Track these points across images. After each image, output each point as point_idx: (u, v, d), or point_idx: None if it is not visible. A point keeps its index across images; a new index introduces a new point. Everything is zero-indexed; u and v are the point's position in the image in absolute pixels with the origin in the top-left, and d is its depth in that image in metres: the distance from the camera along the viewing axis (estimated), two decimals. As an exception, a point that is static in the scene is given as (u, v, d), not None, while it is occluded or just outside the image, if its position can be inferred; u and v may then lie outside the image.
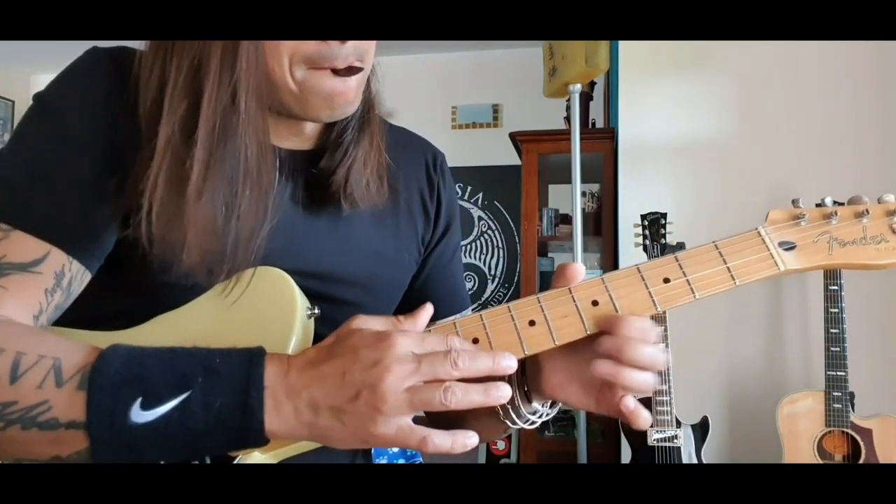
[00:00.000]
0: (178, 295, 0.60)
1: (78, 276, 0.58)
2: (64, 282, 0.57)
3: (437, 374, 0.50)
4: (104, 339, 0.59)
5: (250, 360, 0.50)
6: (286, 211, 0.65)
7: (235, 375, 0.49)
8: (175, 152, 0.56)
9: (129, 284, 0.62)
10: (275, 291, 0.60)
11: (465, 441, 0.51)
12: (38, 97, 0.61)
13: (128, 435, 0.47)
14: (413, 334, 0.52)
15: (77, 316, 0.61)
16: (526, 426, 0.65)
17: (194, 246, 0.56)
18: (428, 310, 0.57)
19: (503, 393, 0.52)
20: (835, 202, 0.60)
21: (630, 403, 0.57)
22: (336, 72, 0.59)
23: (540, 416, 0.65)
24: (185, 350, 0.51)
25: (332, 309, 0.63)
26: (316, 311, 0.61)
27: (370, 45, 0.62)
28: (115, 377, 0.48)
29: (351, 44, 0.58)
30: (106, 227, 0.59)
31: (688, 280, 0.57)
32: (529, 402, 0.64)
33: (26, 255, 0.55)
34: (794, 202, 0.61)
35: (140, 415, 0.47)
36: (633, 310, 0.57)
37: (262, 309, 0.59)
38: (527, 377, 0.64)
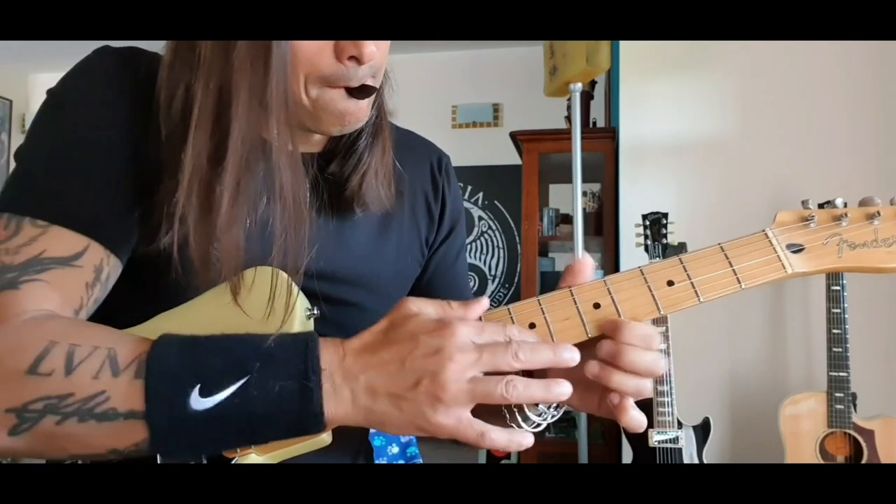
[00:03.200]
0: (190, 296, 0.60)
1: (114, 270, 0.58)
2: (102, 275, 0.57)
3: (499, 365, 0.49)
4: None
5: (306, 345, 0.49)
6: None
7: (292, 359, 0.48)
8: (204, 179, 0.55)
9: (148, 290, 0.61)
10: (275, 292, 0.58)
11: (521, 441, 0.51)
12: (50, 92, 0.60)
13: (188, 423, 0.46)
14: (473, 323, 0.51)
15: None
16: (530, 429, 0.65)
17: (225, 264, 0.56)
18: (483, 303, 0.55)
19: (564, 390, 0.51)
20: (845, 203, 0.58)
21: (618, 402, 0.55)
22: (350, 91, 0.59)
23: (545, 419, 0.64)
24: (238, 336, 0.51)
25: (335, 309, 0.63)
26: (315, 311, 0.60)
27: (383, 62, 0.62)
28: (173, 364, 0.47)
29: (367, 64, 0.58)
30: (132, 221, 0.59)
31: (692, 283, 0.55)
32: (535, 404, 0.63)
33: (66, 249, 0.54)
34: (804, 203, 0.59)
35: (199, 402, 0.46)
36: (635, 313, 0.56)
37: (261, 308, 0.58)
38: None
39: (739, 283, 0.55)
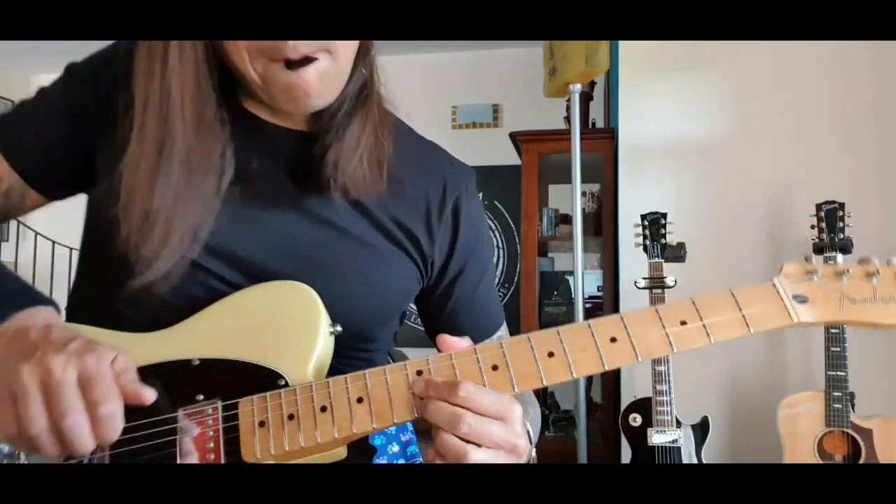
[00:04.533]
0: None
1: (17, 188, 0.68)
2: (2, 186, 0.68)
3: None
4: (136, 340, 0.62)
5: None
6: (275, 192, 0.67)
7: None
8: (136, 148, 0.62)
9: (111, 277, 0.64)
10: (301, 307, 0.61)
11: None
12: (70, 68, 0.70)
13: None
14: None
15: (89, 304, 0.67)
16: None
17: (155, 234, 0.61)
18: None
19: None
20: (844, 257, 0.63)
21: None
22: (289, 64, 0.60)
23: None
24: None
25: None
26: (338, 328, 0.63)
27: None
28: None
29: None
30: (62, 166, 0.69)
31: (704, 325, 0.58)
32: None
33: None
34: (807, 258, 0.64)
35: None
36: (649, 349, 0.58)
37: (289, 322, 0.61)
38: None
39: (748, 327, 0.59)
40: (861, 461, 1.84)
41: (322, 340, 0.60)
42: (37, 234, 4.26)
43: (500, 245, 4.09)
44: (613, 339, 0.58)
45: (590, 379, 2.84)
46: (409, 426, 0.81)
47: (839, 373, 1.88)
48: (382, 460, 0.76)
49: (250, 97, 0.68)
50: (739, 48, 2.34)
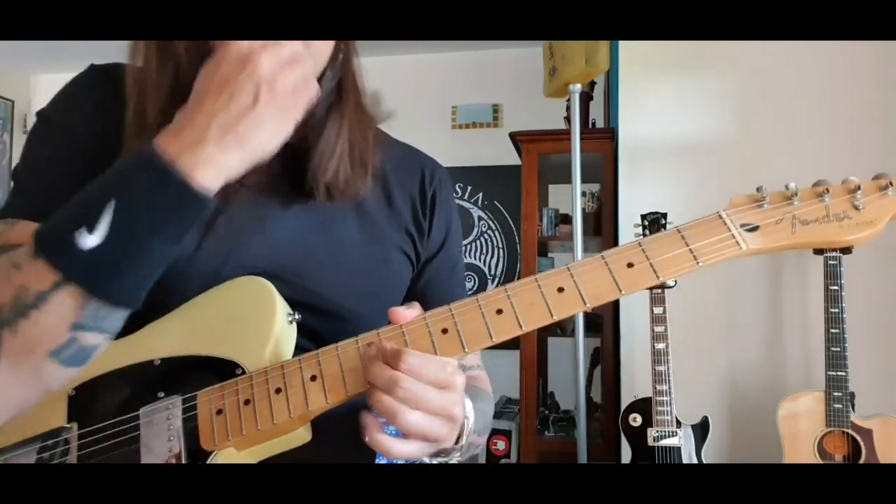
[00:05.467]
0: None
1: None
2: None
3: None
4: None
5: (136, 151, 0.53)
6: (255, 203, 0.67)
7: (132, 162, 0.53)
8: None
9: None
10: (256, 298, 0.63)
11: None
12: (39, 113, 0.67)
13: (95, 252, 0.50)
14: None
15: None
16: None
17: None
18: None
19: None
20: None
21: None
22: None
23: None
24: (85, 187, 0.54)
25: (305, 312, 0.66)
26: (297, 316, 0.64)
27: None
28: (54, 227, 0.52)
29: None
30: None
31: (651, 263, 0.59)
32: None
33: (22, 236, 0.57)
34: (759, 189, 0.62)
35: (89, 238, 0.50)
36: (597, 294, 0.58)
37: (245, 313, 0.63)
38: None
39: (696, 260, 0.58)
40: (861, 461, 1.84)
41: (278, 327, 0.61)
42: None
43: (500, 245, 4.09)
44: (561, 290, 0.58)
45: (590, 379, 2.84)
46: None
47: (839, 373, 1.88)
48: (382, 460, 0.76)
49: None
50: (739, 48, 2.34)
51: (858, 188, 0.59)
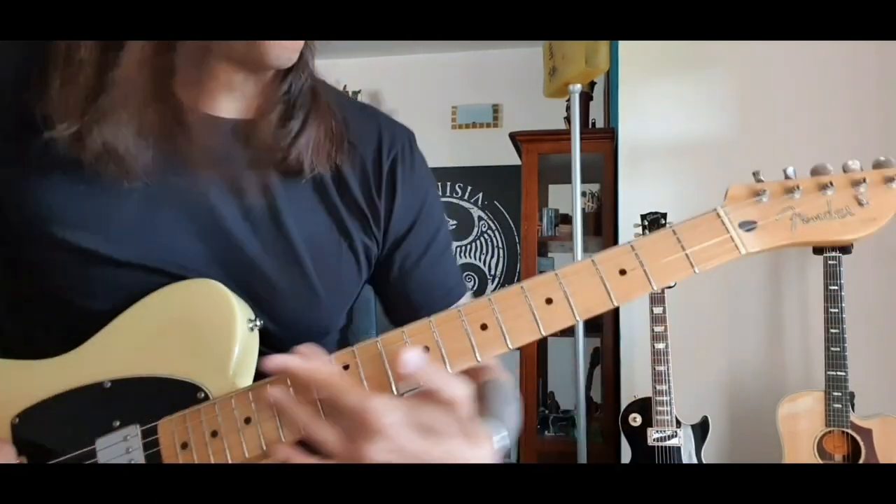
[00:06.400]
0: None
1: None
2: None
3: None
4: (44, 367, 0.57)
5: None
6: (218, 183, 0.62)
7: None
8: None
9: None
10: (211, 305, 0.56)
11: None
12: None
13: None
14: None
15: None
16: None
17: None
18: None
19: None
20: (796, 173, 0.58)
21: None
22: None
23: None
24: None
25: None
26: (258, 322, 0.58)
27: None
28: None
29: None
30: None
31: (645, 270, 0.54)
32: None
33: None
34: (755, 174, 0.58)
35: None
36: (588, 306, 0.53)
37: (200, 324, 0.56)
38: None
39: (692, 267, 0.54)
40: (861, 461, 1.84)
41: (240, 339, 0.55)
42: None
43: (500, 245, 4.09)
44: (549, 301, 0.53)
45: (590, 379, 2.84)
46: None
47: (839, 373, 1.88)
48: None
49: (183, 84, 0.62)
50: (739, 48, 2.34)
51: (864, 181, 0.55)
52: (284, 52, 0.60)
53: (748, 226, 0.55)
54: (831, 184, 0.55)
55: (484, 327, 0.53)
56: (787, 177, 0.57)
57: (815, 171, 0.57)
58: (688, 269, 0.54)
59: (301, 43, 0.61)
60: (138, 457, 0.53)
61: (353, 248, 0.68)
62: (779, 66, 2.32)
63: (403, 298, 0.72)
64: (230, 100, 0.64)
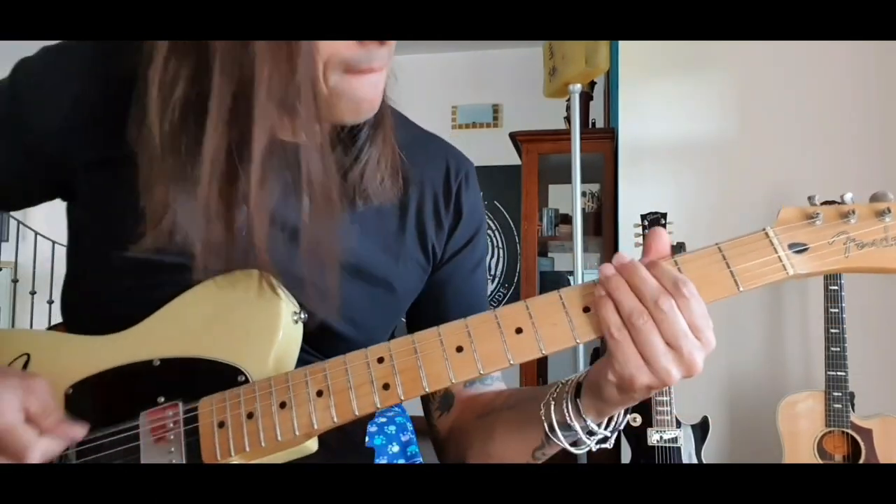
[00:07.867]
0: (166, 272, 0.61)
1: None
2: None
3: None
4: (100, 343, 0.61)
5: None
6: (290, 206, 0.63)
7: None
8: (224, 172, 0.56)
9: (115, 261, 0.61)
10: (259, 295, 0.59)
11: None
12: (17, 68, 0.63)
13: None
14: None
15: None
16: (572, 448, 0.61)
17: (209, 248, 0.57)
18: None
19: None
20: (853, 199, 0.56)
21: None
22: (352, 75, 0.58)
23: (592, 435, 0.59)
24: None
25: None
26: (303, 315, 0.60)
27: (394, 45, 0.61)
28: None
29: (386, 47, 0.58)
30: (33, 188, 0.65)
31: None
32: (581, 416, 0.58)
33: None
34: (810, 199, 0.57)
35: None
36: None
37: (247, 312, 0.59)
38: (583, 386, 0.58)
39: (737, 285, 0.53)
40: (861, 461, 1.84)
41: (283, 330, 0.58)
42: (37, 234, 4.25)
43: (500, 245, 4.09)
44: (587, 309, 0.54)
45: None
46: (410, 426, 0.80)
47: (839, 373, 1.88)
48: (383, 460, 0.76)
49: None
50: (739, 48, 2.34)
51: None
52: (369, 112, 0.61)
53: (798, 248, 0.54)
54: (889, 210, 0.53)
55: (519, 331, 0.54)
56: (843, 202, 0.56)
57: (875, 198, 0.55)
58: (732, 289, 0.54)
59: (380, 97, 0.61)
60: (178, 433, 0.56)
61: (418, 260, 0.73)
62: (779, 67, 2.32)
63: (437, 309, 0.75)
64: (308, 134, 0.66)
